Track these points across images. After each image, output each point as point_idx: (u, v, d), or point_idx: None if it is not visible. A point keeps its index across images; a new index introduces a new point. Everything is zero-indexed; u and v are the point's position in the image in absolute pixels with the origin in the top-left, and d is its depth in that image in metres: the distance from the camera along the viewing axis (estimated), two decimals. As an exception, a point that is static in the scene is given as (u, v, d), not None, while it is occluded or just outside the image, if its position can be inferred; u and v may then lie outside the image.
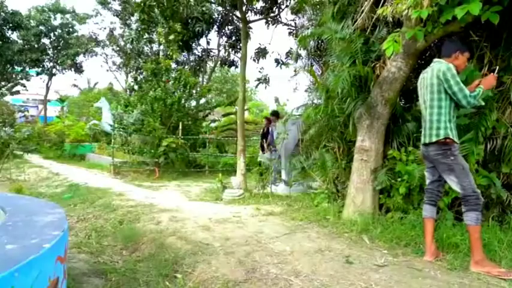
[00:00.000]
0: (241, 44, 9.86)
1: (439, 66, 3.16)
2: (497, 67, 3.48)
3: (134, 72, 14.66)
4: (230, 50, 13.75)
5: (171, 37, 9.07)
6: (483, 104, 3.35)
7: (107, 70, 24.63)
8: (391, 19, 3.97)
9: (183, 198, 6.51)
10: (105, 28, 20.48)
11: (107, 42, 20.31)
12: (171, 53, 9.98)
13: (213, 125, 15.57)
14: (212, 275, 2.86)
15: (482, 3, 3.02)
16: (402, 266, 3.10)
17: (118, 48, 19.36)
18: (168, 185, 8.17)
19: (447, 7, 3.29)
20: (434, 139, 3.13)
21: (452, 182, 3.12)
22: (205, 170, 11.19)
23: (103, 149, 14.03)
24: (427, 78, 3.21)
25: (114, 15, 18.28)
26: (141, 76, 12.82)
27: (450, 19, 3.29)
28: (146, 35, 13.05)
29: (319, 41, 5.77)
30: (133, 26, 14.98)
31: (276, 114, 8.94)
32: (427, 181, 3.43)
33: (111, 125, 11.46)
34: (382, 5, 3.89)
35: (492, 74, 3.27)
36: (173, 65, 12.98)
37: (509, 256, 3.22)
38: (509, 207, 4.01)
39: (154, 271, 2.99)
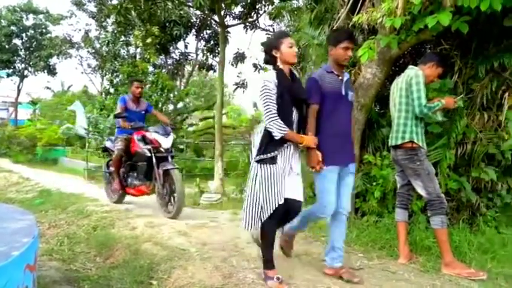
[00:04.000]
0: (219, 48, 9.86)
1: (409, 71, 3.27)
2: (462, 96, 3.62)
3: (110, 75, 14.35)
4: (208, 54, 13.69)
5: (148, 40, 8.99)
6: (439, 119, 3.43)
7: (82, 72, 24.05)
8: (366, 26, 4.06)
9: (159, 203, 6.39)
10: (80, 30, 20.00)
11: (82, 44, 19.85)
12: (148, 56, 9.87)
13: (190, 129, 15.45)
14: (188, 281, 2.83)
15: (453, 13, 3.13)
16: (377, 269, 3.15)
17: (93, 51, 18.96)
18: (144, 190, 8.03)
19: (419, 16, 3.40)
20: (399, 142, 3.23)
21: (418, 187, 3.22)
22: (183, 174, 11.06)
23: (77, 154, 13.69)
24: (399, 83, 3.32)
25: (89, 17, 17.91)
26: (118, 79, 12.60)
27: (422, 28, 3.39)
28: (123, 38, 12.84)
29: (297, 47, 5.83)
30: (110, 28, 14.71)
31: None
32: (398, 185, 3.52)
33: (85, 129, 11.20)
34: (358, 13, 3.98)
35: (454, 98, 3.39)
36: (150, 69, 12.82)
37: (479, 257, 3.34)
38: (479, 210, 4.16)
39: (128, 278, 2.93)
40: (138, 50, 14.20)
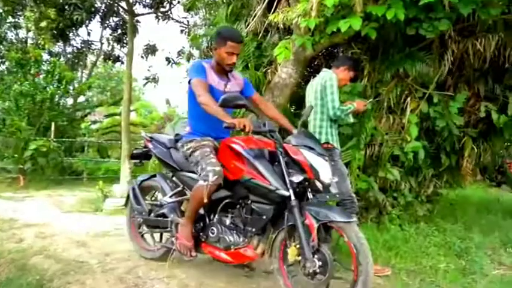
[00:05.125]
0: (127, 39, 9.44)
1: (324, 74, 3.48)
2: (371, 100, 3.96)
3: (-7, 61, 12.94)
4: (115, 43, 13.02)
5: (43, 24, 8.26)
6: (351, 121, 3.73)
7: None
8: (282, 26, 4.22)
9: (54, 210, 5.92)
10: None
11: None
12: (42, 42, 9.07)
13: (93, 126, 14.57)
14: (87, 297, 2.65)
15: (363, 19, 3.41)
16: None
17: (-28, 31, 16.86)
18: (35, 196, 7.35)
19: (333, 19, 3.64)
20: None
21: (332, 186, 3.43)
22: (83, 177, 10.38)
23: None
24: (314, 85, 3.51)
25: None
26: (3, 66, 11.40)
27: (335, 31, 3.63)
28: (10, 19, 11.61)
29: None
30: (-6, 7, 13.22)
31: None
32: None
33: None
34: (274, 11, 4.12)
35: (364, 101, 3.71)
36: (45, 56, 11.81)
37: (384, 254, 3.66)
38: (385, 209, 4.58)
39: (13, 298, 2.65)
40: (30, 34, 13.01)
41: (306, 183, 2.51)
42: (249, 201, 2.66)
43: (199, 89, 2.72)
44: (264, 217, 2.59)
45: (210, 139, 2.89)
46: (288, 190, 2.47)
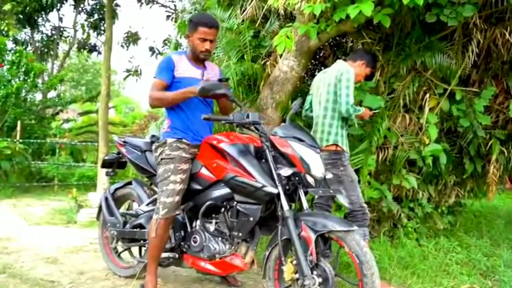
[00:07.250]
0: (105, 25, 9.49)
1: (339, 66, 3.47)
2: (378, 111, 4.00)
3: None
4: (91, 31, 13.07)
5: (7, 7, 8.28)
6: (356, 125, 3.81)
7: None
8: (283, 12, 4.24)
9: (20, 222, 5.93)
10: None
11: None
12: (6, 28, 9.08)
13: (66, 126, 14.56)
14: (58, 322, 2.66)
15: (375, 4, 3.43)
16: None
17: None
18: (-2, 205, 7.37)
19: (341, 4, 3.66)
20: (324, 144, 3.40)
21: (340, 195, 3.44)
22: (54, 184, 10.38)
23: None
24: (327, 78, 3.49)
25: None
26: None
27: (344, 18, 3.66)
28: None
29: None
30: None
31: None
32: (316, 195, 3.72)
33: None
34: (274, -5, 4.14)
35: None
36: (10, 45, 11.81)
37: (399, 273, 3.68)
38: (400, 221, 4.60)
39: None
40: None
41: (296, 178, 2.55)
42: (234, 203, 2.70)
43: (153, 89, 2.92)
44: (251, 219, 2.62)
45: (183, 146, 2.92)
46: (276, 187, 2.51)
